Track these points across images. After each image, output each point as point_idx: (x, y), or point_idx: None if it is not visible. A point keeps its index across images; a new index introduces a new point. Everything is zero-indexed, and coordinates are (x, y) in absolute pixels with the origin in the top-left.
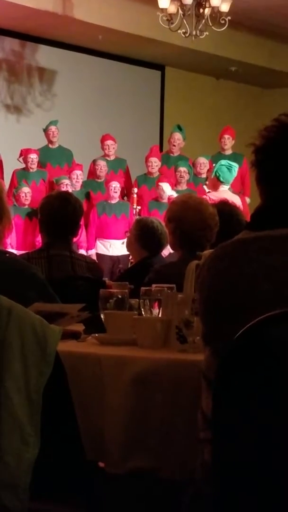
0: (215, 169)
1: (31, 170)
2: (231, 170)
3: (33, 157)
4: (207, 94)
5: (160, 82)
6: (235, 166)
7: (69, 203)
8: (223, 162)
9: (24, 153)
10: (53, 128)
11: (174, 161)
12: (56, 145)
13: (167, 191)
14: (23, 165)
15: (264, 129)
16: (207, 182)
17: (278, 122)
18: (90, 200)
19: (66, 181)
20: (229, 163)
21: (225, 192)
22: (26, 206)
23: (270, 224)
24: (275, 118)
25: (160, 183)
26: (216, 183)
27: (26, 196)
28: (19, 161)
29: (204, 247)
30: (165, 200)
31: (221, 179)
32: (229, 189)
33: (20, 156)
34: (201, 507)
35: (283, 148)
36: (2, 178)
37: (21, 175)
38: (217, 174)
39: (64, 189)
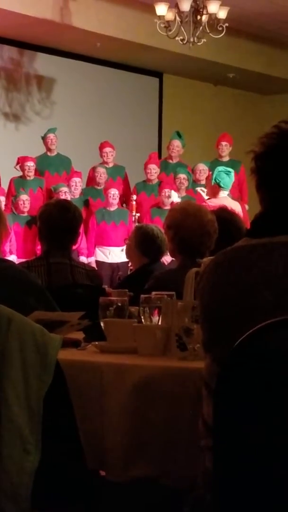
0: (214, 176)
1: (28, 178)
2: (229, 175)
3: (30, 164)
4: (205, 101)
5: (158, 89)
6: (232, 172)
7: (68, 211)
8: (220, 168)
9: (21, 161)
10: (51, 135)
11: (172, 168)
12: (55, 153)
13: (174, 198)
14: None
15: (264, 136)
16: (202, 188)
17: (278, 129)
18: (89, 208)
19: (65, 189)
20: (226, 169)
21: (225, 199)
22: (25, 214)
23: (270, 231)
24: (275, 125)
25: (167, 190)
26: (216, 189)
27: (24, 203)
28: (16, 169)
29: (203, 254)
30: (168, 207)
31: (222, 185)
32: (228, 195)
33: (17, 164)
34: None
35: (283, 155)
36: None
37: (19, 183)
38: (217, 181)
39: (62, 196)
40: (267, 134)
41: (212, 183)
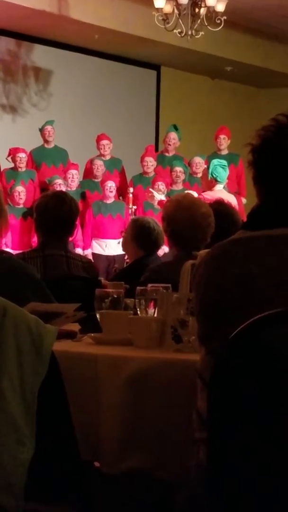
0: (210, 170)
1: (19, 170)
2: (225, 169)
3: (22, 156)
4: (202, 94)
5: (155, 82)
6: (226, 165)
7: (64, 203)
8: (215, 162)
9: (13, 152)
10: (49, 127)
11: (169, 161)
12: (52, 145)
13: (157, 196)
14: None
15: (261, 129)
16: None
17: (276, 122)
18: (86, 200)
19: (59, 181)
20: (220, 162)
21: (220, 192)
22: (21, 206)
23: (266, 223)
24: (273, 117)
25: (150, 189)
26: (212, 183)
27: (20, 195)
28: (8, 160)
29: (195, 247)
30: (156, 205)
31: (219, 179)
32: (224, 188)
33: (8, 156)
34: (196, 508)
35: (280, 148)
36: None
37: (10, 175)
38: (214, 175)
39: (57, 189)
40: (264, 127)
41: (209, 178)
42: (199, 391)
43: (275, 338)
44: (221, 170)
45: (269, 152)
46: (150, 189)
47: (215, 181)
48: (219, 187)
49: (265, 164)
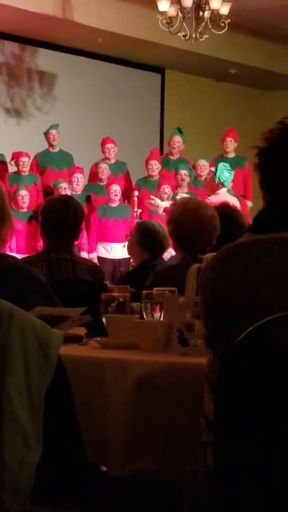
0: (217, 175)
1: (22, 174)
2: (231, 172)
3: (25, 160)
4: (207, 97)
5: (160, 85)
6: (231, 169)
7: (70, 206)
8: (221, 166)
9: (16, 156)
10: (53, 131)
11: (173, 164)
12: (57, 149)
13: (161, 203)
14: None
15: (267, 132)
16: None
17: (282, 125)
18: (91, 203)
19: (64, 185)
20: (226, 166)
21: (224, 195)
22: (25, 210)
23: (273, 226)
24: (279, 120)
25: (152, 197)
26: (217, 187)
27: (23, 199)
28: (11, 165)
29: (201, 250)
30: (162, 212)
31: (226, 184)
32: (228, 191)
33: (11, 160)
34: (203, 510)
35: (287, 150)
36: None
37: (13, 179)
38: (222, 180)
39: (62, 192)
40: (270, 130)
41: (216, 182)
42: (206, 394)
43: (281, 341)
44: (228, 174)
45: (276, 155)
46: (152, 197)
47: (221, 185)
48: (223, 191)
49: (272, 167)
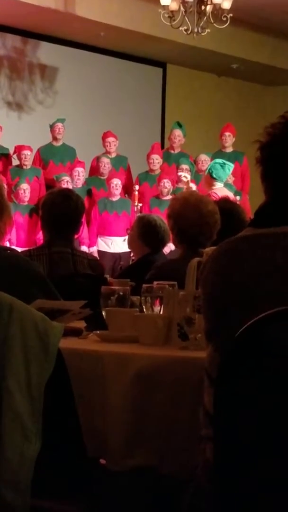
0: (208, 167)
1: (24, 167)
2: (224, 167)
3: (27, 153)
4: (208, 92)
5: (161, 79)
6: (230, 165)
7: (70, 200)
8: (217, 160)
9: (18, 150)
10: (59, 125)
11: (174, 158)
12: (60, 143)
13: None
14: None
15: (270, 126)
16: (185, 175)
17: (284, 119)
18: (92, 197)
19: (67, 178)
20: (223, 161)
21: (221, 190)
22: (26, 203)
23: (274, 221)
24: (281, 115)
25: (166, 180)
26: (209, 180)
27: (25, 192)
28: (13, 158)
29: (202, 244)
30: (167, 197)
31: (214, 175)
32: (225, 185)
33: (14, 153)
34: (202, 505)
35: None
36: None
37: (15, 172)
38: (210, 171)
39: (64, 186)
40: (273, 124)
41: (206, 173)
42: (206, 388)
43: (282, 335)
44: (219, 167)
45: (278, 149)
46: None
47: (210, 177)
48: (218, 185)
49: (274, 161)
